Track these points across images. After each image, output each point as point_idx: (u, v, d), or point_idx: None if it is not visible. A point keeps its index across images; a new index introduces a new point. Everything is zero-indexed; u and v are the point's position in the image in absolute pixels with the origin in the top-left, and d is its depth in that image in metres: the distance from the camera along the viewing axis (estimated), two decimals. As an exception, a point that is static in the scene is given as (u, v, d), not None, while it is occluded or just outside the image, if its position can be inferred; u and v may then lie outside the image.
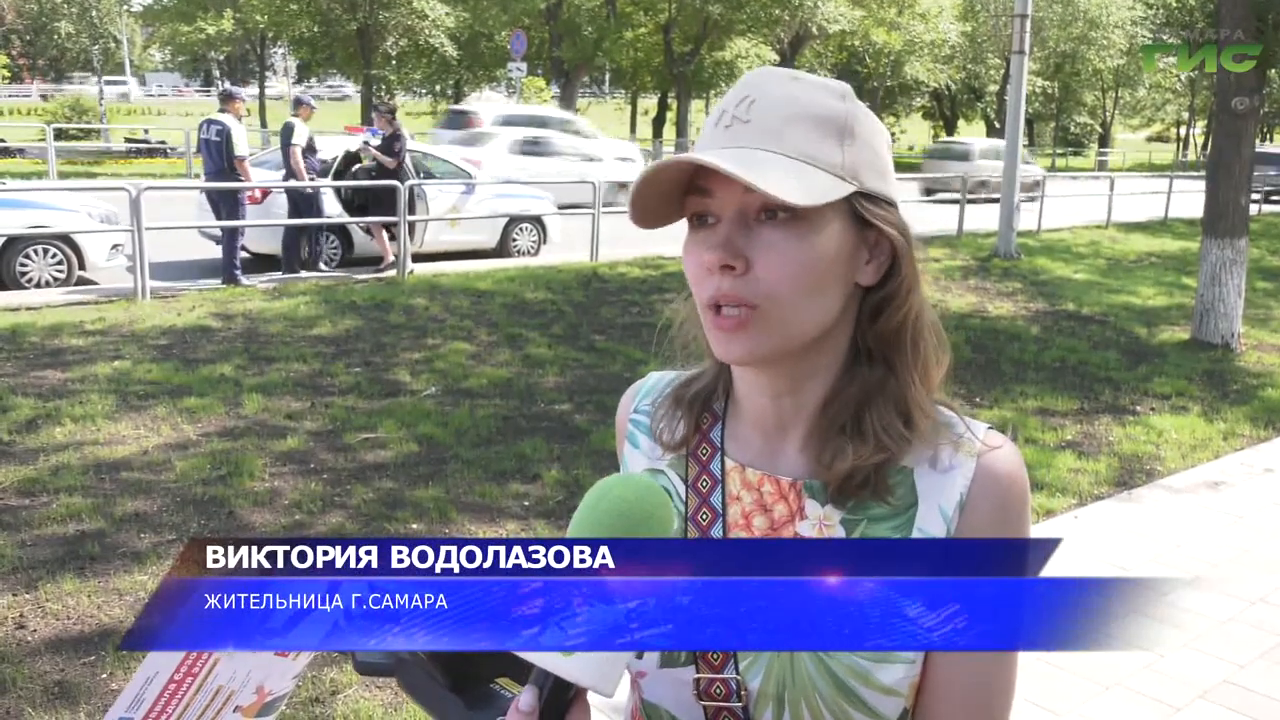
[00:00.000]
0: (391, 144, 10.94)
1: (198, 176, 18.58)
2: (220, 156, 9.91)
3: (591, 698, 0.81)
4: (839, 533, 0.94)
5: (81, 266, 9.72)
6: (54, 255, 9.58)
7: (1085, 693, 3.50)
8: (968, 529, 0.92)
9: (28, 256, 9.46)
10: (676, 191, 0.92)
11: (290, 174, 10.56)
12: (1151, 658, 3.72)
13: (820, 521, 0.95)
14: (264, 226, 10.77)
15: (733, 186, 0.87)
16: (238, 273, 9.95)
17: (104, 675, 3.36)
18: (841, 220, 0.90)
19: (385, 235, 11.14)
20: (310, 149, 10.75)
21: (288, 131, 10.60)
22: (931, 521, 0.92)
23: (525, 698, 0.78)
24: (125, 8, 47.15)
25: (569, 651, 0.74)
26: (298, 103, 11.17)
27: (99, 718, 3.15)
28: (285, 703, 0.90)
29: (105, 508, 4.64)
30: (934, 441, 0.94)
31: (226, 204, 10.00)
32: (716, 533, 0.98)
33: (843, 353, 0.96)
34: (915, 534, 0.92)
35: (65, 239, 9.59)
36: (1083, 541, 4.92)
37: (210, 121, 10.08)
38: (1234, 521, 5.28)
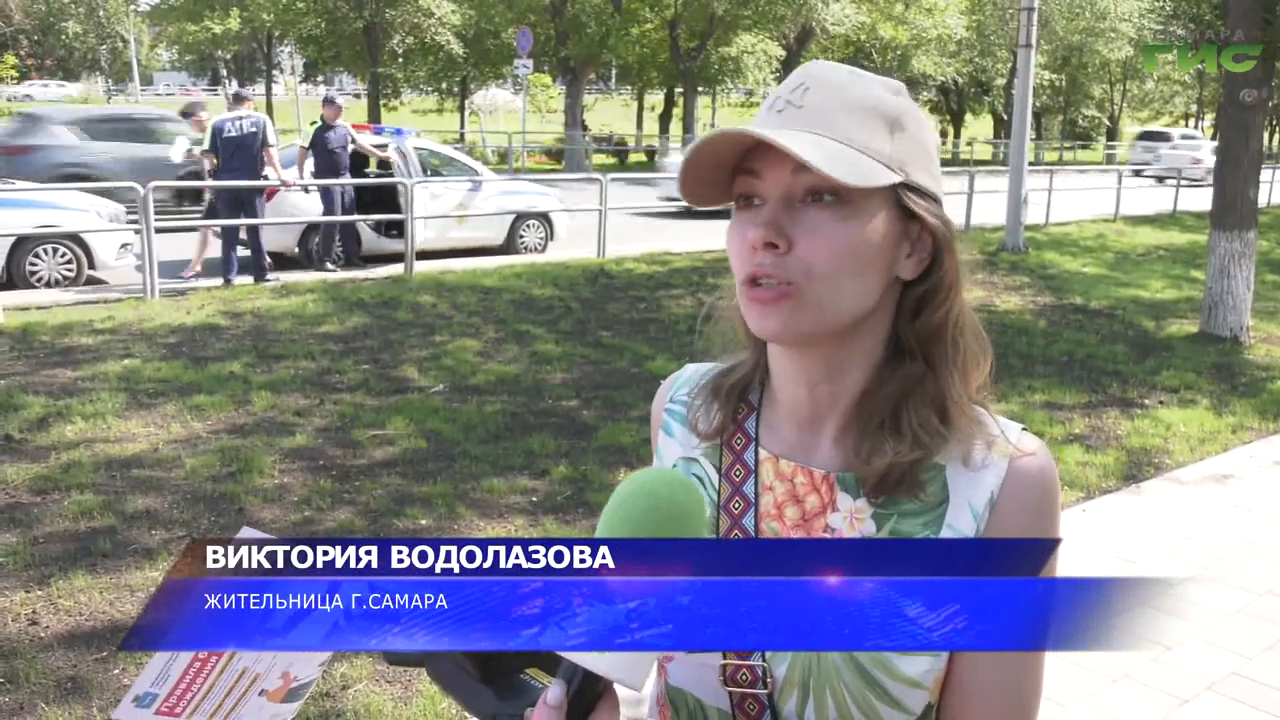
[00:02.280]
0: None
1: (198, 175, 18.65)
2: (254, 150, 9.91)
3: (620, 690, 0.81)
4: (870, 526, 0.95)
5: (91, 265, 9.77)
6: (63, 254, 9.62)
7: (1093, 685, 3.51)
8: (997, 527, 0.92)
9: (37, 256, 9.51)
10: (725, 171, 0.93)
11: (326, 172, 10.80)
12: (1159, 650, 3.72)
13: (852, 514, 0.95)
14: (273, 224, 10.82)
15: (780, 168, 0.89)
16: (231, 269, 10.01)
17: (116, 671, 3.38)
18: (886, 209, 0.91)
19: (207, 239, 10.51)
20: (322, 148, 10.83)
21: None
22: (961, 518, 0.93)
23: (553, 691, 0.79)
24: (132, 7, 47.23)
25: None
26: (327, 101, 11.18)
27: (111, 712, 3.17)
28: (310, 690, 0.90)
29: (116, 505, 4.67)
30: (967, 440, 0.95)
31: (248, 202, 10.07)
32: (748, 522, 0.99)
33: (880, 346, 0.97)
34: (945, 530, 0.93)
35: (74, 238, 9.63)
36: (1090, 535, 4.92)
37: (240, 117, 10.05)
38: (1242, 514, 5.27)
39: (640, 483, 0.83)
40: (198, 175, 10.33)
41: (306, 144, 10.89)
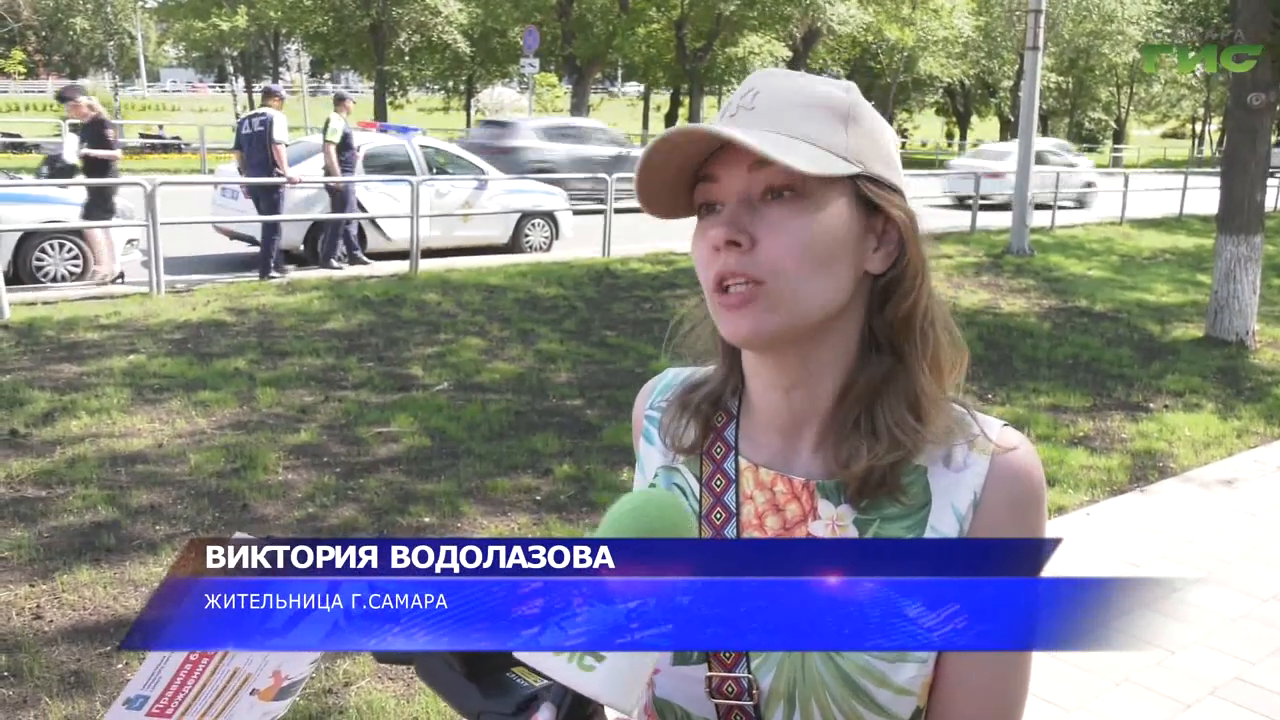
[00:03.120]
0: (101, 132, 9.69)
1: (212, 171, 18.70)
2: (264, 147, 10.12)
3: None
4: (852, 532, 0.94)
5: (97, 261, 9.78)
6: (69, 250, 9.63)
7: (1095, 689, 3.50)
8: (981, 527, 0.91)
9: (44, 251, 9.52)
10: (684, 181, 0.93)
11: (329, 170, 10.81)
12: (1162, 654, 3.72)
13: (833, 521, 0.95)
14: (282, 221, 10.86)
15: (737, 168, 0.89)
16: (271, 266, 10.19)
17: (119, 665, 3.39)
18: (847, 201, 0.91)
19: (107, 243, 9.80)
20: (345, 145, 10.85)
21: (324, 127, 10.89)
22: (945, 520, 0.92)
23: (543, 716, 0.79)
24: (140, 4, 47.30)
25: (589, 667, 0.74)
26: (338, 99, 11.20)
27: (103, 715, 3.18)
28: (302, 688, 0.90)
29: (120, 500, 4.68)
30: (948, 440, 0.94)
31: (265, 198, 10.19)
32: (730, 532, 0.98)
33: (853, 345, 0.96)
34: (928, 533, 0.92)
35: (80, 234, 9.64)
36: (1095, 538, 4.91)
37: (253, 115, 10.38)
38: (1247, 519, 5.26)
39: (630, 505, 0.83)
40: (68, 171, 9.80)
41: (337, 140, 10.83)
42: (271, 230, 10.15)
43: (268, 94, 10.70)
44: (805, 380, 0.96)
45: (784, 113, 0.90)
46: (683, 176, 0.93)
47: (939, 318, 0.97)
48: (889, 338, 0.95)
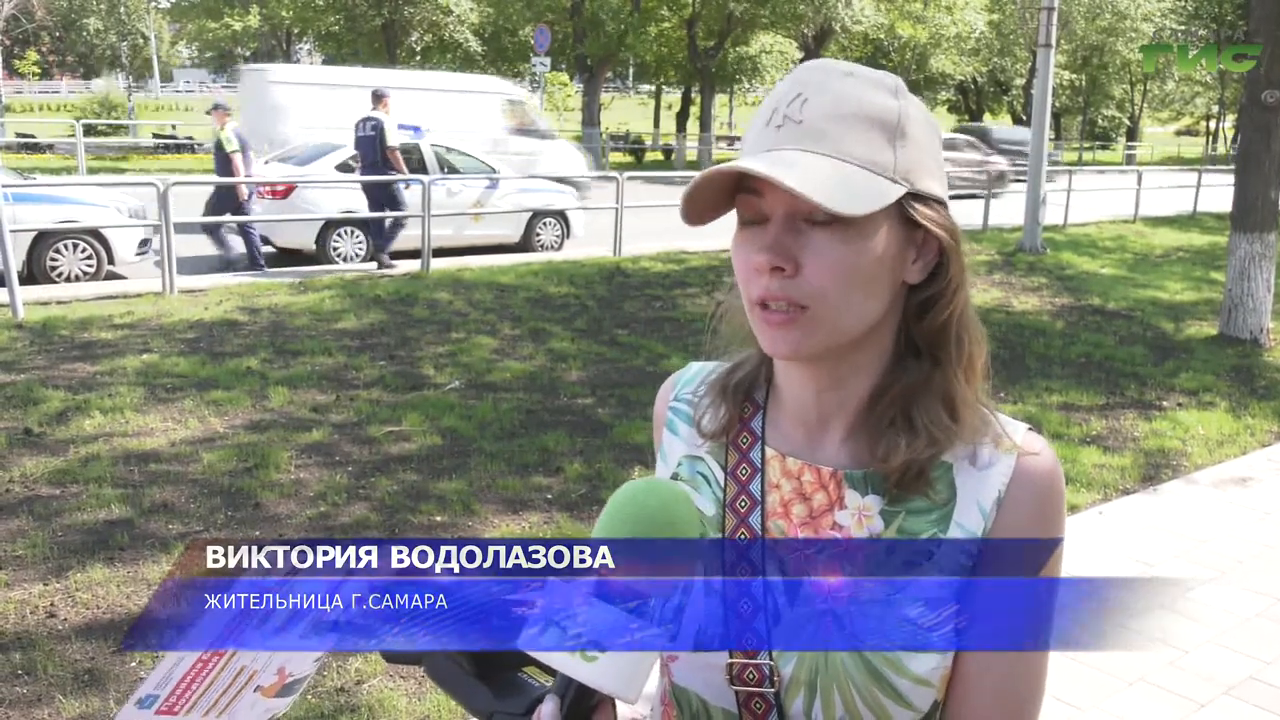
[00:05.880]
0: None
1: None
2: (374, 150, 10.62)
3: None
4: (878, 523, 0.95)
5: (110, 261, 9.83)
6: (83, 250, 9.69)
7: (1108, 688, 3.49)
8: (1005, 526, 0.93)
9: (58, 251, 9.57)
10: (727, 189, 0.93)
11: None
12: (1176, 653, 3.70)
13: (860, 512, 0.96)
14: (290, 221, 10.91)
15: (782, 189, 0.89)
16: (385, 257, 10.67)
17: (132, 664, 3.41)
18: (891, 222, 0.92)
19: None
20: (243, 149, 10.96)
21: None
22: (969, 516, 0.93)
23: (547, 708, 0.79)
24: (153, 4, 47.52)
25: (592, 658, 0.74)
26: (377, 96, 11.23)
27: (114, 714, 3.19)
28: (305, 685, 0.91)
29: (134, 498, 4.71)
30: (974, 439, 0.96)
31: (382, 195, 10.72)
32: (755, 520, 0.99)
33: (887, 349, 0.98)
34: (953, 528, 0.93)
35: (94, 234, 9.70)
36: (1107, 538, 4.89)
37: (366, 119, 10.79)
38: (1260, 518, 5.24)
39: (629, 494, 0.84)
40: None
41: (234, 147, 10.80)
42: (396, 225, 10.75)
43: (376, 97, 10.92)
44: (836, 384, 0.98)
45: (832, 129, 0.90)
46: (725, 187, 0.93)
47: (971, 319, 0.99)
48: (927, 344, 0.97)
